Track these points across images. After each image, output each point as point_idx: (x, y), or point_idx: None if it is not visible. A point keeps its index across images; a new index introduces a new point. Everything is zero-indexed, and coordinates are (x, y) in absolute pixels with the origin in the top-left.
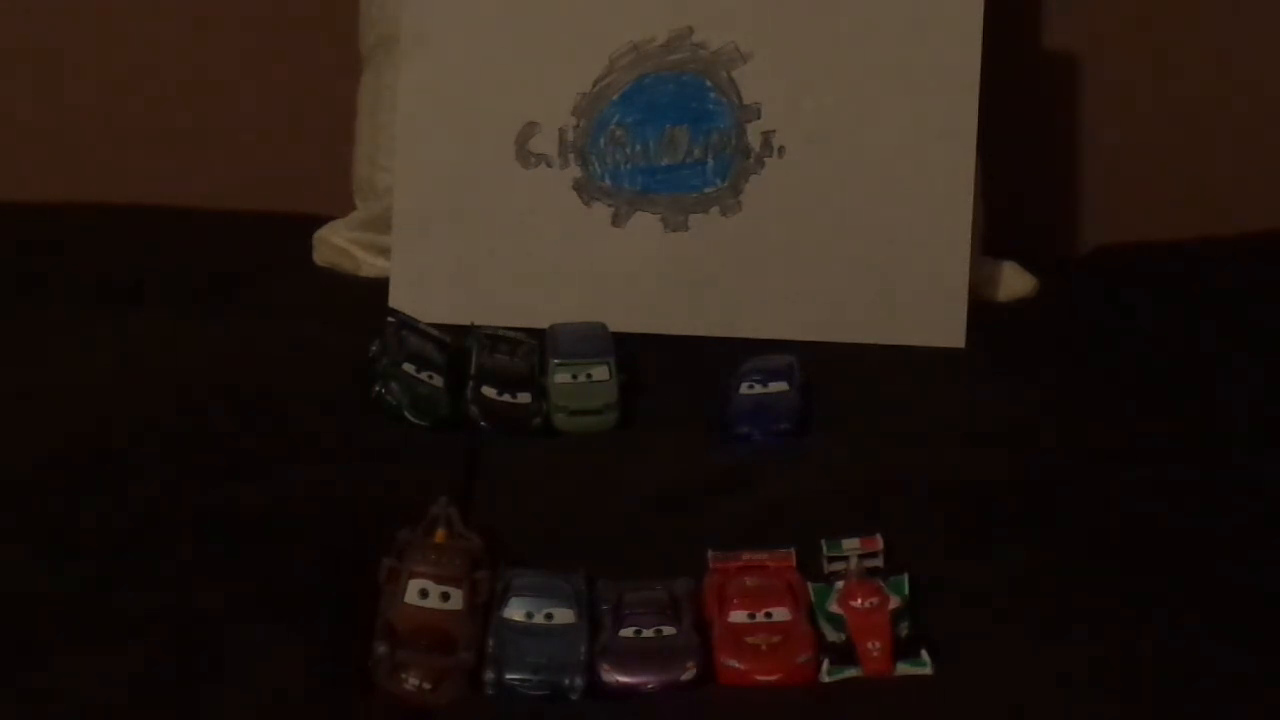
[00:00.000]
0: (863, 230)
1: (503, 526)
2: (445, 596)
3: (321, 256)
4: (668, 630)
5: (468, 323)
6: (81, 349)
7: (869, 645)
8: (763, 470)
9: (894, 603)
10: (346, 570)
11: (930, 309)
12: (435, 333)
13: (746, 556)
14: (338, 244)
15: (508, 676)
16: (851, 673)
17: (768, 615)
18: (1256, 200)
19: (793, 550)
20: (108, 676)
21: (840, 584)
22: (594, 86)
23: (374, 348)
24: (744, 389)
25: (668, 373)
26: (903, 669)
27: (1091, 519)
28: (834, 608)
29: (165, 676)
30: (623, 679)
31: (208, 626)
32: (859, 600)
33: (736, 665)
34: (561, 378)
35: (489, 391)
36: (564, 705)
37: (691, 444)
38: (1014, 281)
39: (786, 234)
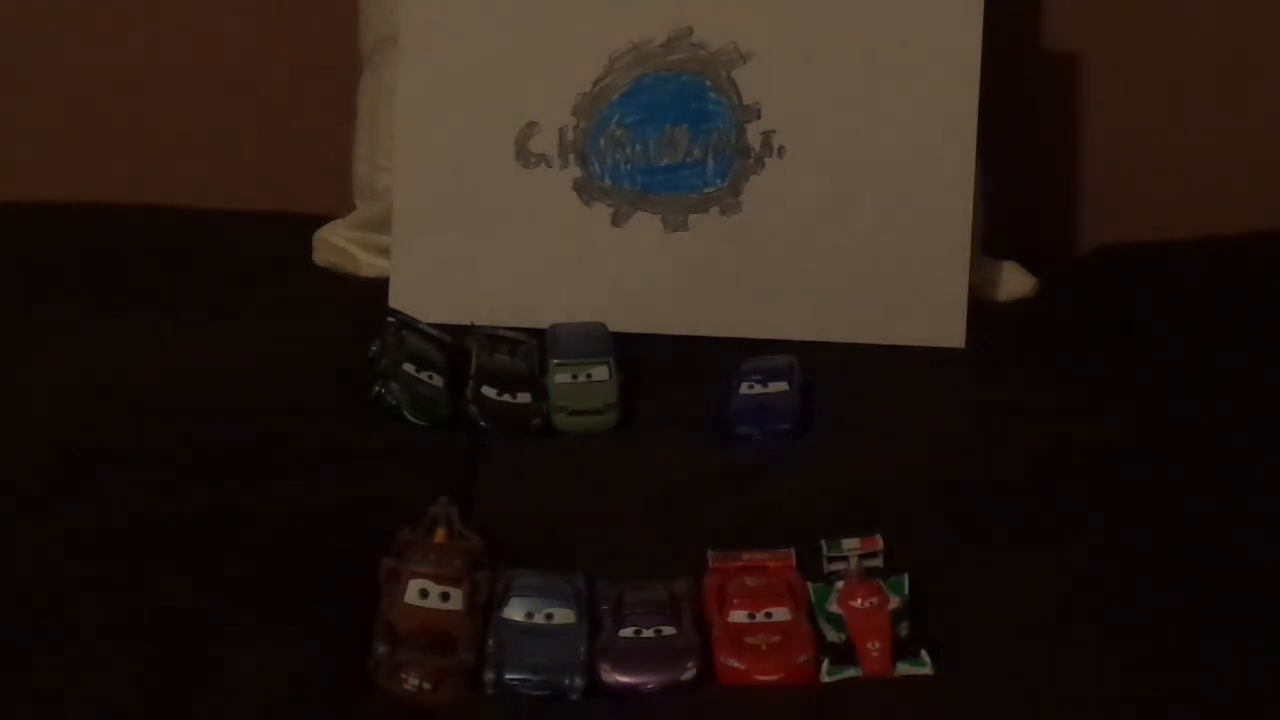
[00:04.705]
0: (863, 230)
1: (503, 526)
2: (445, 596)
3: (321, 256)
4: (668, 630)
5: (468, 323)
6: (81, 349)
7: (869, 645)
8: (763, 470)
9: (894, 603)
10: (346, 570)
11: (930, 309)
12: (435, 333)
13: (746, 556)
14: (338, 244)
15: (508, 676)
16: (851, 673)
17: (768, 615)
18: (1256, 200)
19: (793, 550)
20: (107, 677)
21: (840, 584)
22: (594, 86)
23: (374, 348)
24: (744, 389)
25: (668, 373)
26: (903, 669)
27: (1091, 518)
28: (834, 608)
29: (165, 676)
30: (623, 679)
31: (208, 626)
32: (859, 600)
33: (736, 665)
34: (561, 378)
35: (489, 391)
36: (564, 705)
37: (691, 444)
38: (1014, 281)
39: (786, 234)
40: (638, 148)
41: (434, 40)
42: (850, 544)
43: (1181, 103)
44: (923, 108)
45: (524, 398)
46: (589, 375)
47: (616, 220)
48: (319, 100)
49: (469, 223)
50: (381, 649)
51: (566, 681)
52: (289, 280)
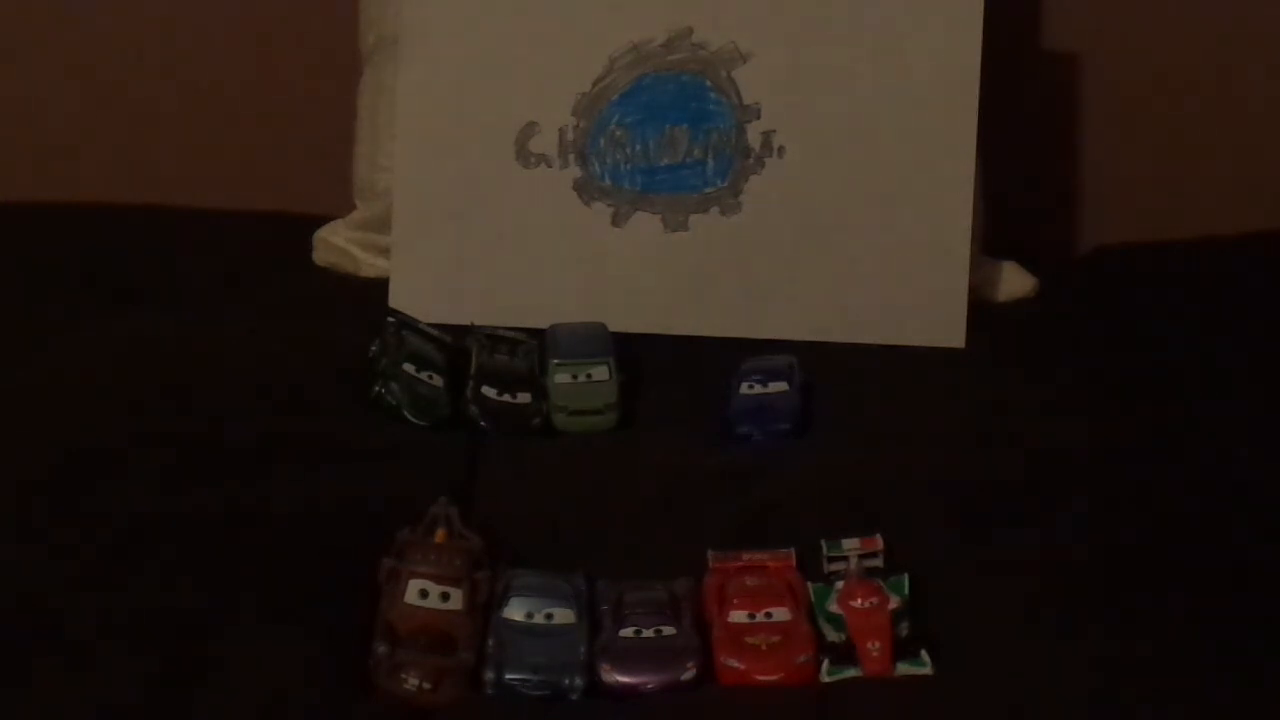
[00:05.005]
0: (863, 230)
1: (503, 526)
2: (445, 596)
3: (321, 256)
4: (668, 630)
5: (468, 323)
6: (81, 349)
7: (869, 645)
8: (763, 470)
9: (894, 603)
10: (346, 570)
11: (930, 309)
12: (435, 333)
13: (746, 556)
14: (338, 244)
15: (508, 676)
16: (851, 673)
17: (768, 615)
18: (1256, 200)
19: (793, 550)
20: (107, 677)
21: (840, 584)
22: (594, 86)
23: (374, 348)
24: (744, 389)
25: (668, 373)
26: (903, 669)
27: (1091, 518)
28: (834, 608)
29: (165, 676)
30: (623, 679)
31: (208, 626)
32: (859, 600)
33: (736, 665)
34: (561, 378)
35: (489, 391)
36: (564, 705)
37: (691, 444)
38: (1014, 281)
39: (786, 234)
40: (638, 148)
41: (434, 40)
42: (850, 544)
43: (1181, 103)
44: (923, 107)
45: (524, 398)
46: (589, 375)
47: (616, 220)
48: (319, 100)
49: (469, 223)
50: (381, 649)
51: (566, 681)
52: (289, 280)
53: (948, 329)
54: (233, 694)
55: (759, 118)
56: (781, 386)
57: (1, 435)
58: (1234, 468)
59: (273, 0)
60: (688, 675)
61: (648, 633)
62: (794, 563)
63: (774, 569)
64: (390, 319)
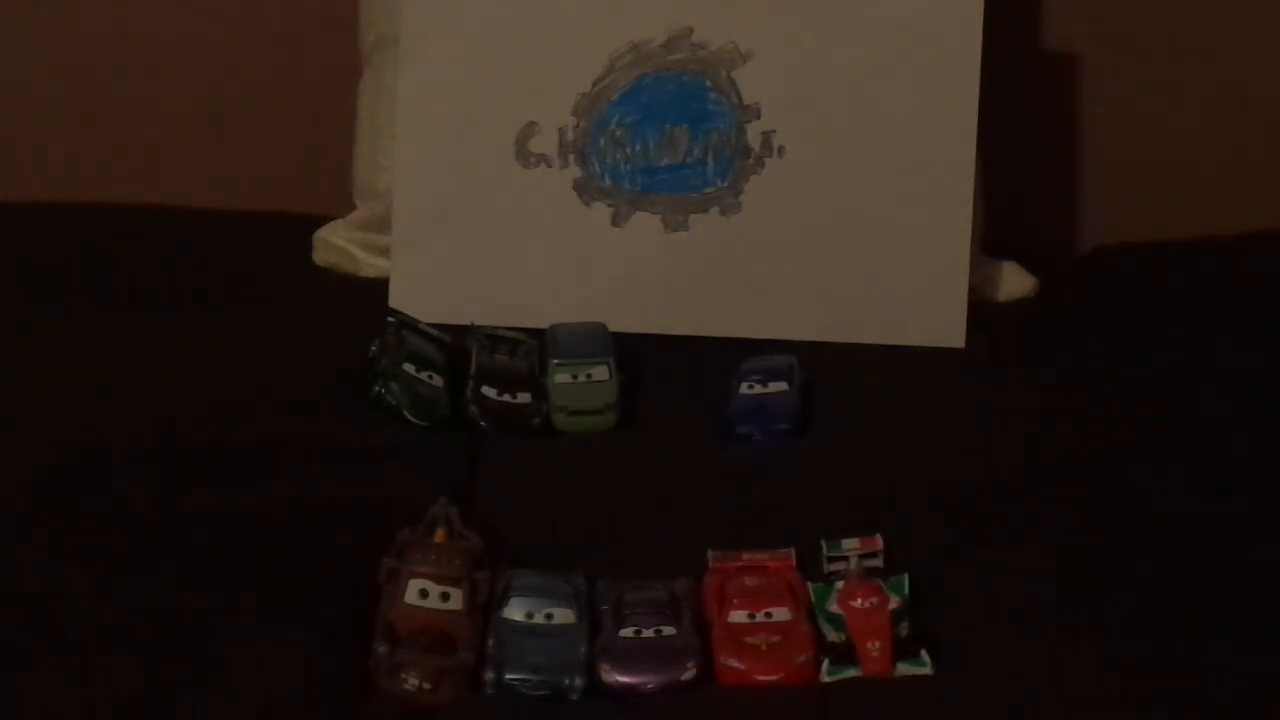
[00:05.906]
0: (863, 230)
1: (503, 526)
2: (445, 596)
3: (321, 256)
4: (668, 630)
5: (468, 323)
6: (81, 349)
7: (869, 645)
8: (763, 470)
9: (894, 603)
10: (346, 570)
11: (930, 309)
12: (435, 333)
13: (746, 556)
14: (338, 244)
15: (508, 676)
16: (851, 673)
17: (768, 615)
18: (1256, 200)
19: (793, 550)
20: (108, 677)
21: (840, 584)
22: (594, 86)
23: (374, 348)
24: (744, 389)
25: (668, 373)
26: (903, 669)
27: (1091, 519)
28: (834, 608)
29: (165, 676)
30: (623, 679)
31: (207, 626)
32: (859, 600)
33: (736, 665)
34: (561, 378)
35: (489, 391)
36: (564, 705)
37: (691, 444)
38: (1014, 281)
39: (786, 234)
40: (638, 148)
41: (434, 40)
42: (850, 544)
43: (1181, 103)
44: (923, 108)
45: (524, 398)
46: (589, 375)
47: (616, 220)
48: (319, 100)
49: (469, 223)
50: (381, 649)
51: (566, 681)
52: (289, 280)
53: (948, 329)
54: (233, 694)
55: (759, 118)
56: (781, 386)
57: (1, 435)
58: (1234, 468)
59: (273, 1)
60: (688, 675)
61: (648, 633)
62: (794, 563)
63: (774, 569)
64: (390, 319)
